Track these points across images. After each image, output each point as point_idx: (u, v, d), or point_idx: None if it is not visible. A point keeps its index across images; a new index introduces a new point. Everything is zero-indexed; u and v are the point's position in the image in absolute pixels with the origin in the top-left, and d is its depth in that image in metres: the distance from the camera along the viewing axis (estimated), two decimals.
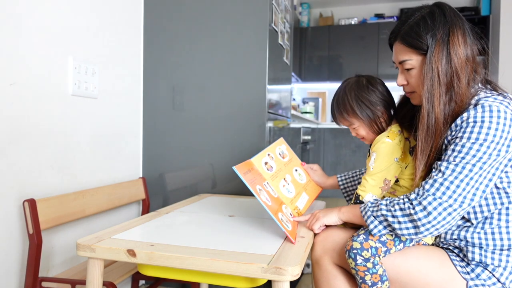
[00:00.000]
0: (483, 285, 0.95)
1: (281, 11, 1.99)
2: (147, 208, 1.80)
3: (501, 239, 0.97)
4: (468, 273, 0.97)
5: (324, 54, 5.00)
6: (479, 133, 0.89)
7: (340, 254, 1.08)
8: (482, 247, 0.98)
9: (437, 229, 0.90)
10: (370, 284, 0.98)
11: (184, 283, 1.86)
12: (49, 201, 1.25)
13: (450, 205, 0.89)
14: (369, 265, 0.97)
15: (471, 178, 0.89)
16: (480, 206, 0.98)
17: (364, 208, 1.02)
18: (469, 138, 0.90)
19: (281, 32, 1.99)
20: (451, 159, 0.92)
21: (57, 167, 1.37)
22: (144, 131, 1.91)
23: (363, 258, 0.98)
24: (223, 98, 1.81)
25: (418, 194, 0.93)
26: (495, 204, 0.97)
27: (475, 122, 0.90)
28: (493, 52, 4.35)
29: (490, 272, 0.96)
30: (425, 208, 0.90)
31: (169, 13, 1.86)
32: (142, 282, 1.85)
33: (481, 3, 4.52)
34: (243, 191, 1.79)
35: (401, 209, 0.93)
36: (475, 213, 0.99)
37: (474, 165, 0.89)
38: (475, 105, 0.92)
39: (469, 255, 0.98)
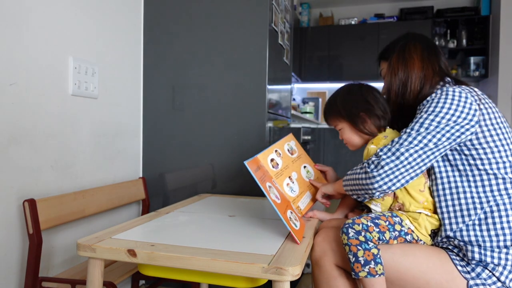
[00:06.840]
0: (483, 284, 0.96)
1: (281, 11, 1.99)
2: (147, 208, 1.80)
3: (497, 235, 0.97)
4: (468, 272, 0.98)
5: (324, 54, 5.00)
6: (435, 107, 1.03)
7: (340, 255, 1.08)
8: (480, 245, 0.98)
9: (385, 182, 1.01)
10: (363, 262, 0.96)
11: (184, 283, 1.86)
12: (49, 201, 1.25)
13: (403, 165, 1.00)
14: (361, 238, 0.98)
15: (424, 146, 1.00)
16: (480, 198, 1.00)
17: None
18: (427, 112, 1.04)
19: (281, 32, 1.99)
20: (408, 129, 1.04)
21: (57, 167, 1.37)
22: (144, 131, 1.91)
23: (354, 231, 0.99)
24: (223, 98, 1.81)
25: (377, 156, 1.05)
26: (495, 200, 0.99)
27: (432, 100, 1.05)
28: (493, 52, 4.35)
29: (490, 271, 0.96)
30: (379, 165, 1.01)
31: (169, 12, 1.86)
32: (142, 282, 1.85)
33: (481, 3, 4.52)
34: (243, 191, 1.79)
35: (361, 168, 1.07)
36: (474, 208, 1.00)
37: (427, 133, 1.01)
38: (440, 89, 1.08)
39: (469, 254, 0.99)
